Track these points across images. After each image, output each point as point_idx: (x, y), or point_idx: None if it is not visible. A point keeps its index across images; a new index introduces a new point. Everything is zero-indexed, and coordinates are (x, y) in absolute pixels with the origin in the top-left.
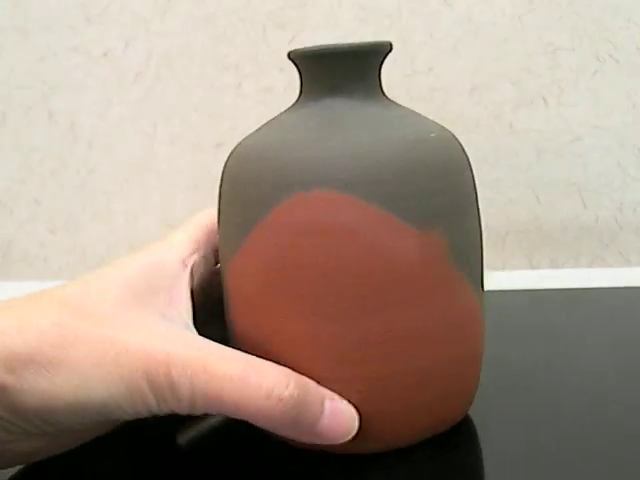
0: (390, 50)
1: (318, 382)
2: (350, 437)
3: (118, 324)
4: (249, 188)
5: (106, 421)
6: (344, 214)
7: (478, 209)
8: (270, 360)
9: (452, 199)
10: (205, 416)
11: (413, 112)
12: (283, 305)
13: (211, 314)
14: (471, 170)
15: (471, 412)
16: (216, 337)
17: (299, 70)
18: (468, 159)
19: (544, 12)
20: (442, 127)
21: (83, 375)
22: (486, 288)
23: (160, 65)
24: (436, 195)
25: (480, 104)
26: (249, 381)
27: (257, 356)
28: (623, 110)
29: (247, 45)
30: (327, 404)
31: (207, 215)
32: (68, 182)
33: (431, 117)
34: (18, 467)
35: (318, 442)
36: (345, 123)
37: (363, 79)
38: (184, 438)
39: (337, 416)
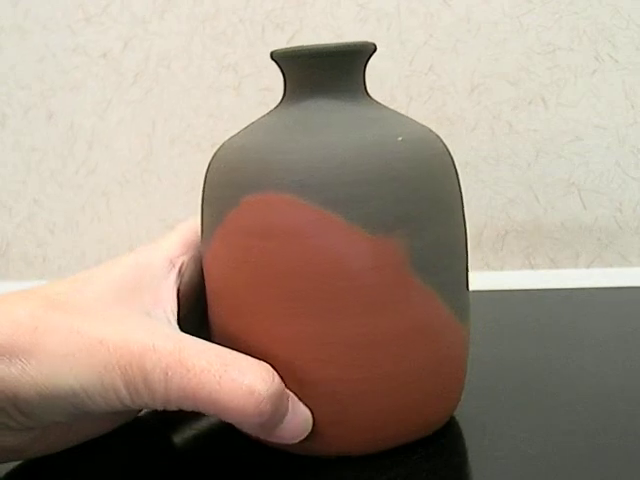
0: (374, 51)
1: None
2: (302, 438)
3: (95, 317)
4: (217, 190)
5: (82, 414)
6: (293, 217)
7: (461, 214)
8: None
9: (417, 205)
10: (197, 415)
11: (395, 114)
12: (239, 306)
13: (202, 315)
14: (452, 174)
15: (462, 413)
16: (207, 338)
17: (282, 70)
18: (449, 163)
19: (543, 12)
20: (425, 129)
21: (54, 365)
22: (485, 288)
23: (159, 65)
24: (396, 200)
25: (479, 104)
26: (229, 377)
27: None
28: (622, 110)
29: (246, 45)
30: (290, 404)
31: (197, 221)
32: (67, 182)
33: (430, 117)
34: (12, 466)
35: (275, 441)
36: (315, 125)
37: (344, 80)
38: (179, 438)
39: (297, 417)
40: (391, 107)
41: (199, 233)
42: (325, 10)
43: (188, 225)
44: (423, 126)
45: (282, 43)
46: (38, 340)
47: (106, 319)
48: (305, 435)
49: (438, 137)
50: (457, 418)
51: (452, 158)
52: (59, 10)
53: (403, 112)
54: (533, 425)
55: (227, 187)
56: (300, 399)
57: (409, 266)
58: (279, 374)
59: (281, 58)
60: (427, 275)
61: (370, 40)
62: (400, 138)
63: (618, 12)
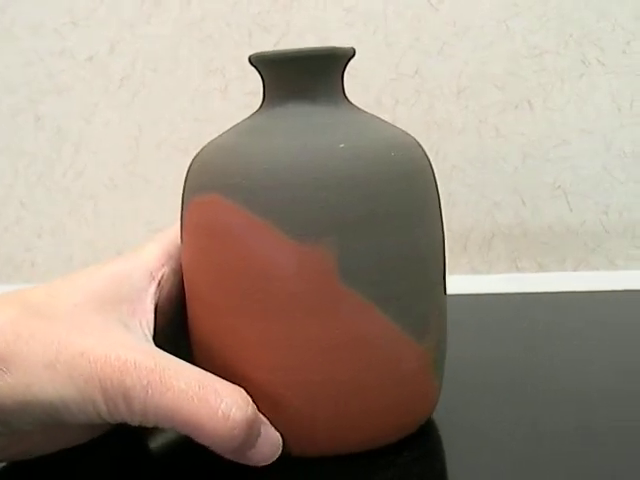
0: (353, 56)
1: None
2: (272, 460)
3: (75, 326)
4: (184, 191)
5: (58, 424)
6: (226, 219)
7: (431, 224)
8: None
9: (352, 213)
10: None
11: (369, 119)
12: (193, 304)
13: (178, 327)
14: (420, 183)
15: (447, 415)
16: (183, 350)
17: (260, 74)
18: (417, 172)
19: (530, 15)
20: (395, 135)
21: (34, 375)
22: (471, 291)
23: (146, 69)
24: (326, 208)
25: (466, 108)
26: (206, 400)
27: (198, 353)
28: (609, 114)
29: (233, 49)
30: (262, 429)
31: (178, 229)
32: (55, 186)
33: (417, 120)
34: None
35: (245, 463)
36: (269, 130)
37: (322, 84)
38: (154, 443)
39: (267, 441)
40: (377, 110)
41: (179, 242)
42: (311, 14)
43: (168, 235)
44: (396, 132)
45: (269, 47)
46: (20, 348)
47: (86, 330)
48: (275, 458)
49: (412, 143)
50: (443, 420)
51: (427, 166)
52: (46, 14)
53: (389, 115)
54: (519, 427)
55: (187, 188)
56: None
57: (338, 275)
58: (212, 370)
59: (258, 62)
60: (362, 286)
61: (356, 43)
62: (342, 145)
63: (604, 16)
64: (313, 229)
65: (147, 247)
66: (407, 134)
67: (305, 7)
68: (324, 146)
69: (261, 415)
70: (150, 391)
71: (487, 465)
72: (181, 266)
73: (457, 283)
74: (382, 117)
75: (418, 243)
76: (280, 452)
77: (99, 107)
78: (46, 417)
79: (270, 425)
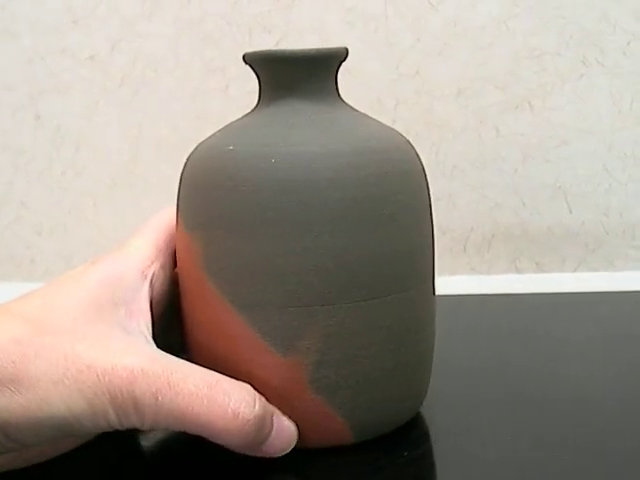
0: (346, 56)
1: None
2: (288, 451)
3: (79, 339)
4: None
5: (69, 436)
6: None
7: (310, 232)
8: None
9: (216, 212)
10: None
11: (350, 119)
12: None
13: (170, 322)
14: (340, 196)
15: (443, 416)
16: (175, 345)
17: (255, 73)
18: (324, 178)
19: (530, 16)
20: (359, 138)
21: (44, 392)
22: (471, 292)
23: (146, 68)
24: (203, 205)
25: (466, 108)
26: (216, 400)
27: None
28: (609, 114)
29: (233, 48)
30: (275, 421)
31: (166, 216)
32: (55, 184)
33: (417, 121)
34: None
35: (260, 455)
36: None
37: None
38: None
39: (281, 432)
40: (378, 110)
41: (168, 235)
42: (312, 13)
43: (155, 226)
44: (382, 132)
45: (269, 46)
46: (26, 367)
47: (89, 341)
48: (290, 448)
49: (392, 146)
50: (440, 420)
51: (404, 170)
52: (47, 12)
53: (390, 116)
54: (517, 429)
55: None
56: None
57: (202, 267)
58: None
59: (252, 61)
60: (219, 283)
61: (357, 44)
62: (230, 147)
63: (605, 17)
64: (190, 222)
65: (134, 243)
66: (397, 135)
67: (306, 7)
68: (215, 147)
69: (273, 407)
70: (160, 397)
71: (486, 466)
72: (169, 260)
73: (456, 283)
74: (383, 117)
75: (297, 254)
76: (295, 442)
77: (99, 106)
78: (58, 432)
79: (282, 416)
